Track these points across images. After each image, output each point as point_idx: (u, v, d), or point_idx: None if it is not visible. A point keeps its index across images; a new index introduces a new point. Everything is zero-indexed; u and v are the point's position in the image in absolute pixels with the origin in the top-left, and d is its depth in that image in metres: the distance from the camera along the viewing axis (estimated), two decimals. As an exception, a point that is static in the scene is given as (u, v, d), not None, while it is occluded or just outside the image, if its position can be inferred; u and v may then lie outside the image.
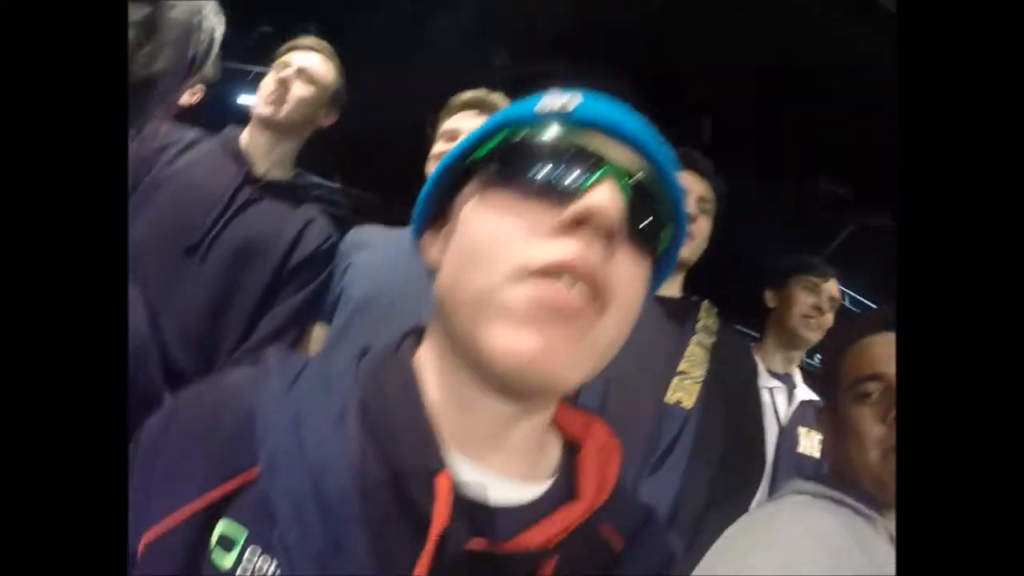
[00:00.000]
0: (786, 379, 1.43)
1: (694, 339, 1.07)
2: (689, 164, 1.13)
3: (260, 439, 0.36)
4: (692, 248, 1.13)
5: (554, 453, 0.43)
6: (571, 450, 0.44)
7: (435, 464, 0.35)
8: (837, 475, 0.75)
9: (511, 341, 0.34)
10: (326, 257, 1.18)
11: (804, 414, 1.38)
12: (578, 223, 0.35)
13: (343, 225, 1.26)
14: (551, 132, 0.38)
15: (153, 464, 0.38)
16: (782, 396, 1.39)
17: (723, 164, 1.22)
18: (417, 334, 0.43)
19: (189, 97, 1.36)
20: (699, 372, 1.04)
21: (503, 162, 0.38)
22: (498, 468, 0.38)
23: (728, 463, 1.03)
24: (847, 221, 3.16)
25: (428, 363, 0.40)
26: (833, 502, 0.70)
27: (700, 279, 1.22)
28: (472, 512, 0.35)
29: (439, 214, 0.43)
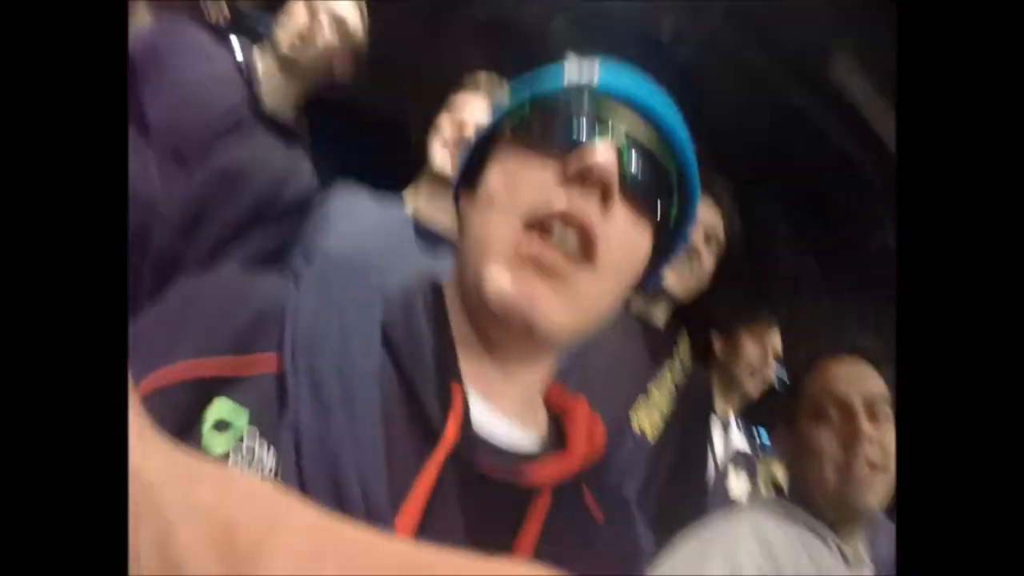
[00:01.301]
0: (727, 423, 1.47)
1: (668, 370, 1.08)
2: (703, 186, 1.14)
3: (288, 324, 0.37)
4: (687, 282, 1.11)
5: (543, 417, 0.46)
6: (556, 420, 0.47)
7: (452, 377, 0.38)
8: (794, 494, 0.79)
9: (502, 280, 0.38)
10: (306, 205, 1.15)
11: (736, 461, 1.44)
12: (578, 177, 0.39)
13: (328, 179, 1.24)
14: (574, 103, 0.42)
15: (176, 309, 0.38)
16: (719, 439, 1.43)
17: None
18: (435, 282, 0.46)
19: (217, 12, 1.32)
20: (664, 403, 1.04)
21: (530, 127, 0.42)
22: (500, 410, 0.41)
23: (667, 502, 1.04)
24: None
25: (449, 305, 0.43)
26: (786, 516, 0.75)
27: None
28: (477, 439, 0.38)
29: (474, 178, 0.46)
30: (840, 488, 0.73)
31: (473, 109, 1.11)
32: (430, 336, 0.39)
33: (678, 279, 1.08)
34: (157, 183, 0.99)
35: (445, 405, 0.36)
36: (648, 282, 0.48)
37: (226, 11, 1.33)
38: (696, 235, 1.07)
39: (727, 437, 1.44)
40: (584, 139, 0.40)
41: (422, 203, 1.12)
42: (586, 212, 0.39)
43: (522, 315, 0.38)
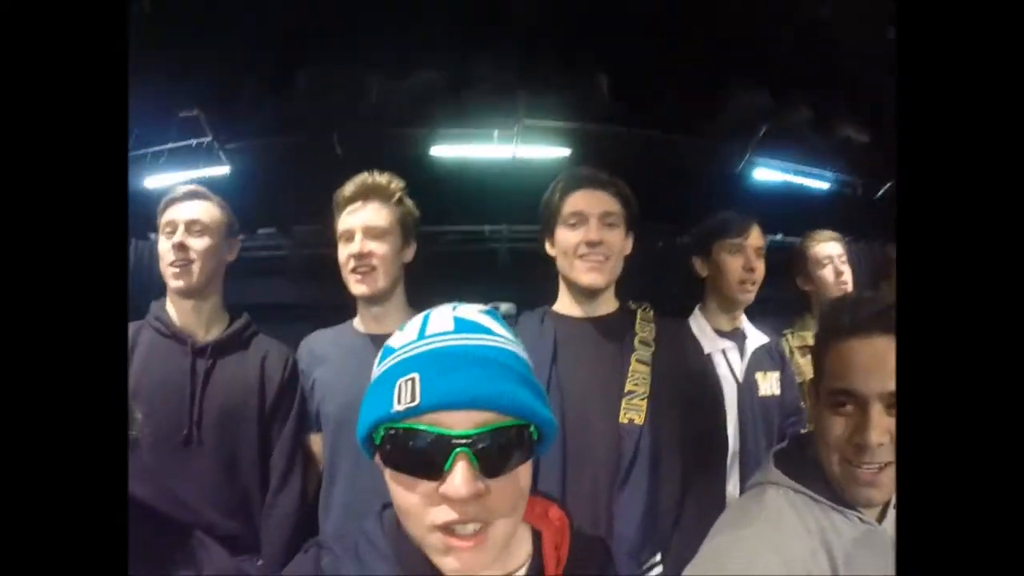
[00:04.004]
0: (736, 335, 1.47)
1: (633, 356, 1.13)
2: (587, 183, 1.16)
3: None
4: (610, 266, 1.14)
5: (523, 543, 0.58)
6: (537, 534, 0.59)
7: None
8: (815, 460, 0.76)
9: (442, 564, 0.50)
10: (293, 382, 1.25)
11: (759, 361, 1.45)
12: (447, 500, 0.48)
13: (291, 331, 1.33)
14: (409, 431, 0.49)
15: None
16: (735, 354, 1.44)
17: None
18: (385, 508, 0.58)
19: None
20: (644, 389, 1.10)
21: (388, 453, 0.51)
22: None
23: (695, 449, 1.10)
24: (762, 121, 4.21)
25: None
26: (808, 498, 0.74)
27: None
28: None
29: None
30: (843, 474, 0.71)
31: (355, 221, 1.21)
32: (409, 562, 0.53)
33: (599, 275, 1.14)
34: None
35: None
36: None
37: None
38: (597, 224, 1.13)
39: (743, 344, 1.45)
40: (437, 462, 0.48)
41: (370, 323, 1.27)
42: (471, 513, 0.48)
43: (470, 572, 0.50)
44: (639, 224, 1.22)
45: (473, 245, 5.17)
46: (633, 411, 1.08)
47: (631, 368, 1.11)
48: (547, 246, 1.21)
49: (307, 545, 0.60)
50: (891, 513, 0.75)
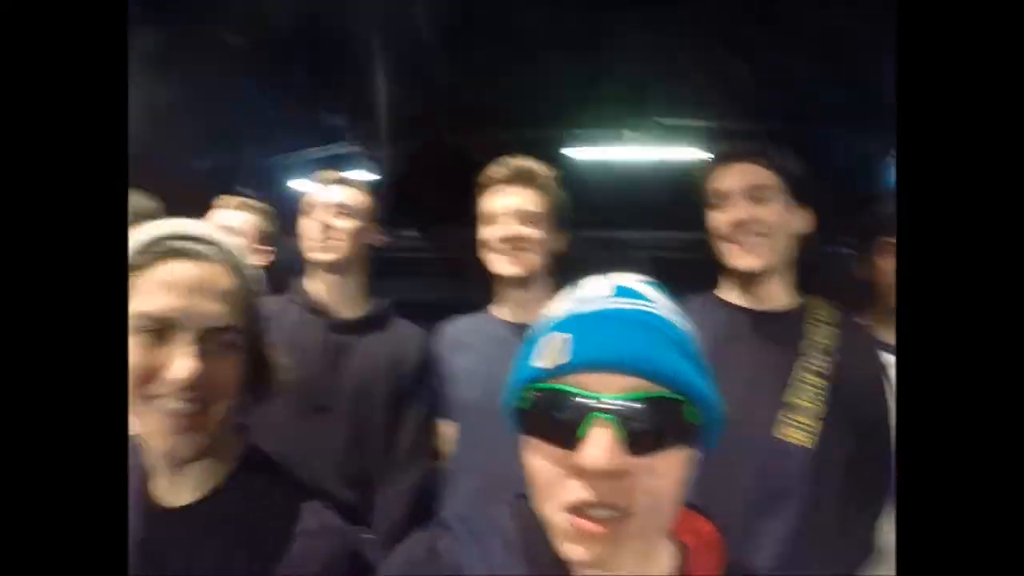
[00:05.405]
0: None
1: (798, 364, 0.98)
2: (730, 157, 1.06)
3: None
4: (769, 245, 1.00)
5: (665, 557, 0.52)
6: (682, 548, 0.53)
7: None
8: None
9: (569, 552, 0.46)
10: (428, 366, 1.28)
11: None
12: (583, 473, 0.44)
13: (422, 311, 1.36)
14: (555, 392, 0.46)
15: None
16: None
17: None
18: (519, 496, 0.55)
19: (263, 259, 1.45)
20: (816, 407, 0.94)
21: (530, 414, 0.48)
22: None
23: (856, 481, 0.95)
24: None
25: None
26: None
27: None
28: None
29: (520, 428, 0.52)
30: None
31: (497, 204, 1.22)
32: (542, 550, 0.49)
33: (755, 257, 1.02)
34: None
35: None
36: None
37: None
38: (740, 211, 1.02)
39: None
40: (575, 428, 0.44)
41: (511, 310, 1.26)
42: (606, 492, 0.44)
43: (594, 568, 0.46)
44: (811, 193, 1.07)
45: (611, 252, 4.83)
46: (799, 430, 0.94)
47: (798, 377, 0.97)
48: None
49: (429, 524, 0.58)
50: None
